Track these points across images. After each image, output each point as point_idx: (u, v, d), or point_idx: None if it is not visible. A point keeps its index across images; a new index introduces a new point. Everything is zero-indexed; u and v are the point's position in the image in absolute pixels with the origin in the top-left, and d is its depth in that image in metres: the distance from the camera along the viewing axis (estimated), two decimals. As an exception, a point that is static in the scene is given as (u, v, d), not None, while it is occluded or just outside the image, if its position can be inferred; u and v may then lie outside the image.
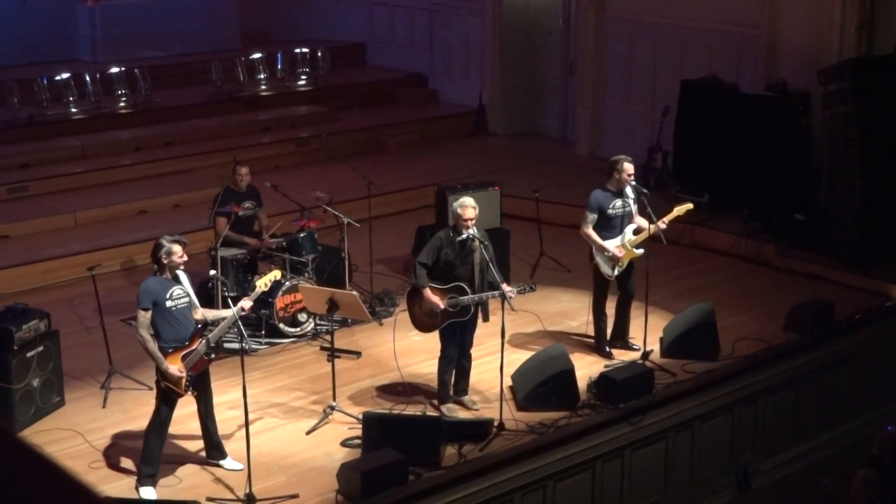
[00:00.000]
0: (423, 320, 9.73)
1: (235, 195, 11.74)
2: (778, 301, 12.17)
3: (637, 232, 10.71)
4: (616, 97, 17.41)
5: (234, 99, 18.46)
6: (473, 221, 9.53)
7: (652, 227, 10.58)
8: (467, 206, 9.56)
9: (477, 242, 9.53)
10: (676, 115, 15.28)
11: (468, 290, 9.54)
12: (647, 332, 10.69)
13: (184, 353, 8.59)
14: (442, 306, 9.53)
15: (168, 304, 8.56)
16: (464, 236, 9.53)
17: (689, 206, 10.96)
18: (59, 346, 10.04)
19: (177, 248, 8.62)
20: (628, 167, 10.61)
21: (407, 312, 9.93)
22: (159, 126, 17.28)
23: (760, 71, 15.11)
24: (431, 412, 9.77)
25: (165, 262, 8.59)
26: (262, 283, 9.14)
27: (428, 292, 9.53)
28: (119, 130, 17.09)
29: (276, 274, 9.52)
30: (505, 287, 9.46)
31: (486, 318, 9.84)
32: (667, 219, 10.66)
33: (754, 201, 14.17)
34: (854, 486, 8.82)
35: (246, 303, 8.82)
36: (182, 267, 8.70)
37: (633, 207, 10.74)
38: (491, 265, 9.50)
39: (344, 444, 9.37)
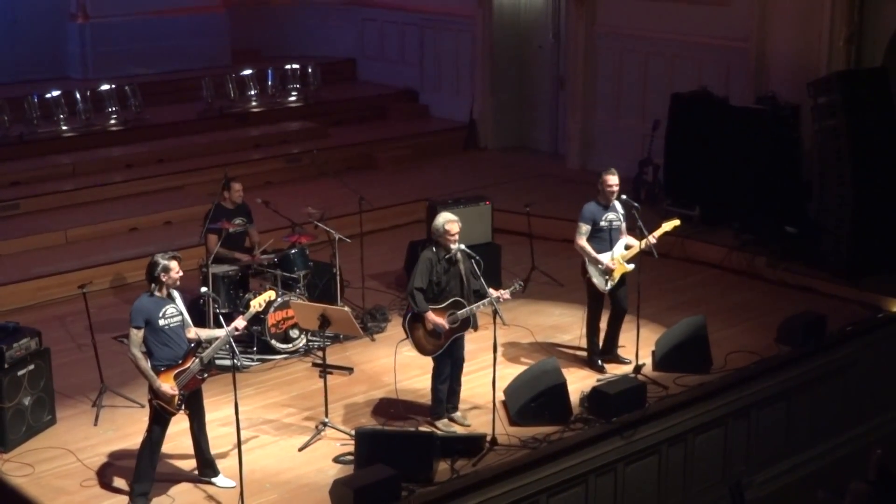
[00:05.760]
0: (427, 346, 9.68)
1: (226, 212, 11.73)
2: (769, 313, 12.18)
3: (628, 247, 10.75)
4: (606, 111, 17.45)
5: (225, 115, 18.47)
6: (459, 235, 9.56)
7: (642, 241, 10.63)
8: (453, 221, 9.57)
9: (460, 254, 9.56)
10: (667, 128, 15.32)
11: (464, 302, 9.57)
12: (640, 346, 10.71)
13: (176, 371, 8.57)
14: (447, 326, 9.53)
15: (161, 322, 8.55)
16: (452, 252, 9.54)
17: (677, 221, 11.01)
18: (51, 364, 10.01)
19: (174, 265, 8.61)
20: (608, 178, 10.71)
21: (400, 329, 9.89)
22: (150, 143, 17.27)
23: (750, 84, 15.16)
24: (424, 427, 9.76)
25: (164, 279, 8.58)
26: (257, 304, 9.13)
27: (432, 315, 9.52)
28: (110, 148, 17.08)
29: (270, 294, 9.51)
30: (496, 292, 9.50)
31: (475, 328, 9.85)
32: (656, 234, 10.70)
33: (745, 214, 14.20)
34: (847, 499, 8.85)
35: (240, 322, 8.79)
36: (178, 283, 8.70)
37: (622, 224, 10.78)
38: (474, 275, 9.54)
39: (336, 460, 9.36)
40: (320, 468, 9.25)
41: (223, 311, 11.18)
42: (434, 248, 9.64)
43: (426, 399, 10.07)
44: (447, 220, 9.57)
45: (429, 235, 12.25)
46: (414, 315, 9.61)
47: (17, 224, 14.53)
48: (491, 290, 9.50)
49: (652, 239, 10.63)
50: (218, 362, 10.40)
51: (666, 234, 10.92)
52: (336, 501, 8.53)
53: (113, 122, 17.51)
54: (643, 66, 16.81)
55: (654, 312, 11.93)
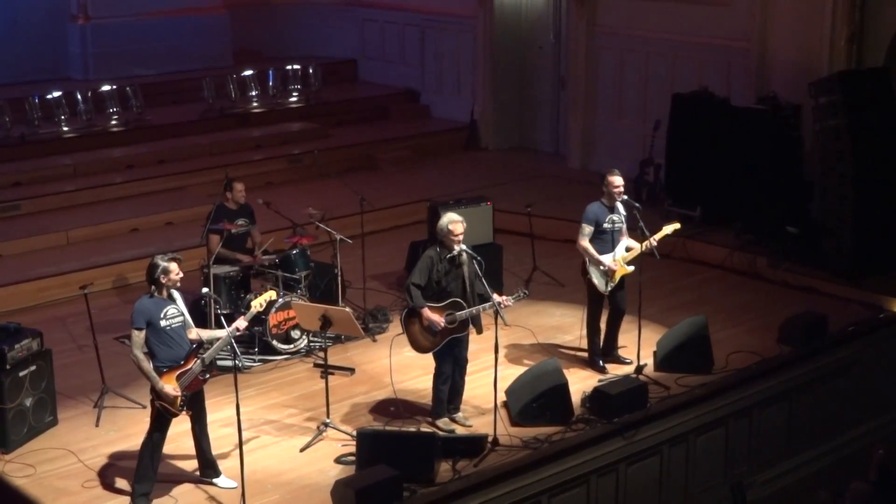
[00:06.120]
0: (423, 343, 9.68)
1: (229, 212, 11.72)
2: (771, 314, 12.18)
3: (629, 249, 10.76)
4: (607, 111, 17.45)
5: (226, 116, 18.47)
6: (463, 236, 9.56)
7: (644, 243, 10.64)
8: (457, 221, 9.57)
9: (465, 256, 9.55)
10: (668, 128, 15.31)
11: (464, 304, 9.55)
12: (641, 346, 10.70)
13: (178, 372, 8.57)
14: (442, 324, 9.53)
15: (162, 323, 8.55)
16: (455, 252, 9.54)
17: (677, 225, 11.00)
18: (52, 364, 10.02)
19: (173, 266, 8.61)
20: (612, 179, 10.70)
21: (401, 330, 9.90)
22: (151, 144, 17.27)
23: (751, 84, 15.16)
24: (426, 428, 9.76)
25: (164, 281, 8.58)
26: (258, 304, 9.14)
27: (427, 312, 9.52)
28: (111, 148, 17.07)
29: (270, 294, 9.53)
30: (499, 297, 9.49)
31: (479, 331, 9.85)
32: (656, 237, 10.69)
33: (746, 214, 14.19)
34: (848, 499, 8.86)
35: (241, 323, 8.79)
36: (178, 285, 8.70)
37: (623, 225, 10.78)
38: (478, 277, 9.53)
39: (338, 460, 9.36)
40: (322, 469, 9.25)
41: (224, 311, 11.17)
42: (437, 248, 9.64)
43: (427, 399, 10.07)
44: (451, 221, 9.57)
45: (430, 236, 12.29)
46: (411, 310, 9.63)
47: (19, 225, 14.54)
48: (495, 295, 9.48)
49: (653, 241, 10.63)
50: (219, 363, 10.39)
51: (666, 236, 10.93)
52: (338, 502, 8.53)
53: (114, 122, 17.51)
54: (644, 66, 16.81)
55: (655, 313, 11.93)
